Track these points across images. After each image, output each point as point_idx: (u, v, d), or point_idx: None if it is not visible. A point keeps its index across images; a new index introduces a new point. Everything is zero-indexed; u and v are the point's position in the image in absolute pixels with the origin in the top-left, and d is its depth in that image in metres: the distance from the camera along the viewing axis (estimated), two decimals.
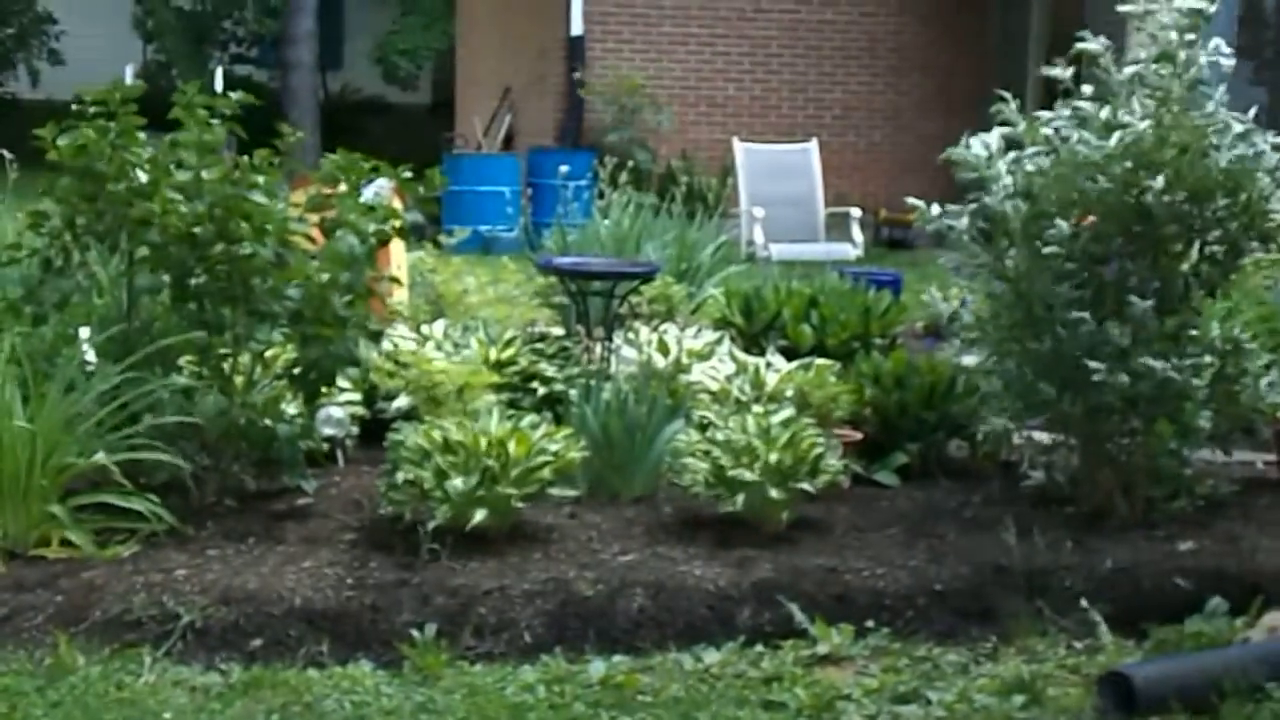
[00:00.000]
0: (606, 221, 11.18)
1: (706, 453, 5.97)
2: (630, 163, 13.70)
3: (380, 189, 6.49)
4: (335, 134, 19.35)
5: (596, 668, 5.04)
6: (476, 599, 5.32)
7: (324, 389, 6.16)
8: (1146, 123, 6.09)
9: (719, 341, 7.66)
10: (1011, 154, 6.32)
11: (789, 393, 6.81)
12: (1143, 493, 6.24)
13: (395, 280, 7.31)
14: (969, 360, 6.92)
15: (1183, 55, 6.19)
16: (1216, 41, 6.32)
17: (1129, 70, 6.22)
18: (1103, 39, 6.30)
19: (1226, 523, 6.16)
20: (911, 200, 6.62)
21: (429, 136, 20.30)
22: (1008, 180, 6.27)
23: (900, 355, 7.20)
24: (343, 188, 6.16)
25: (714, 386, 6.97)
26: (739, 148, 13.54)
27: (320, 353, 5.92)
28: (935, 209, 6.46)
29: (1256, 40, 13.89)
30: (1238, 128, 6.21)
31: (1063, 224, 6.10)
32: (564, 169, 13.33)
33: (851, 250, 12.39)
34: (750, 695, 4.88)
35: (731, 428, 6.07)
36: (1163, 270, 6.30)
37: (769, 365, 7.11)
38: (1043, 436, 6.61)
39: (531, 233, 13.57)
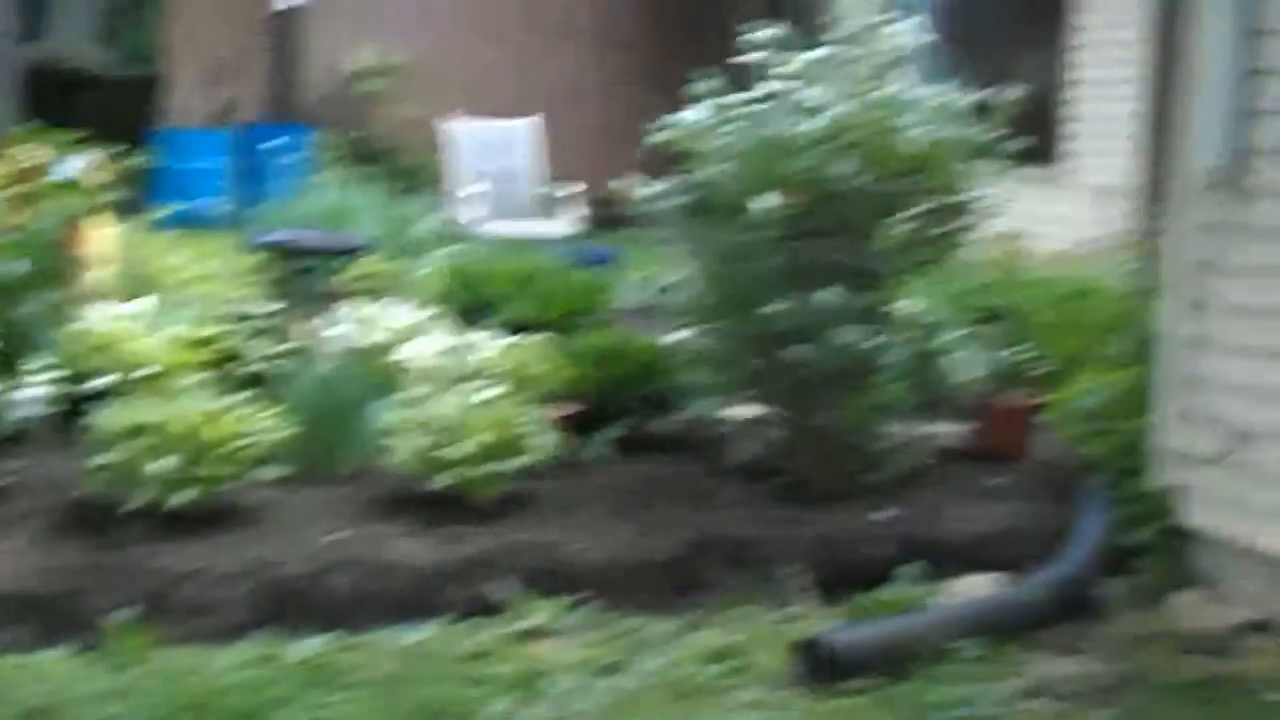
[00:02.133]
0: (320, 197, 11.03)
1: (415, 431, 5.94)
2: (348, 137, 13.52)
3: (79, 164, 6.29)
4: (40, 107, 18.66)
5: (302, 647, 4.98)
6: (180, 580, 5.21)
7: (19, 368, 5.94)
8: (848, 104, 6.25)
9: (431, 318, 7.62)
10: (718, 126, 6.42)
11: (502, 369, 6.81)
12: (844, 464, 6.41)
13: (97, 258, 7.11)
14: (677, 336, 7.05)
15: (876, 35, 6.36)
16: (912, 21, 6.54)
17: (818, 52, 6.38)
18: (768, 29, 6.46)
19: (924, 492, 6.37)
20: (620, 184, 6.68)
21: (139, 109, 19.71)
22: (718, 147, 6.36)
23: (614, 331, 7.26)
24: (40, 162, 5.96)
25: (425, 364, 6.93)
26: (456, 124, 13.48)
27: (9, 331, 5.72)
28: (649, 189, 6.54)
29: (947, 23, 14.36)
30: (934, 102, 6.40)
31: (762, 202, 6.21)
32: (275, 144, 13.08)
33: (570, 227, 12.45)
34: (457, 671, 4.88)
35: (440, 405, 6.05)
36: (861, 248, 6.47)
37: (482, 342, 7.10)
38: (750, 411, 6.75)
39: (243, 208, 13.30)
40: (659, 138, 6.47)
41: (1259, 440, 5.56)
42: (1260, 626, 5.33)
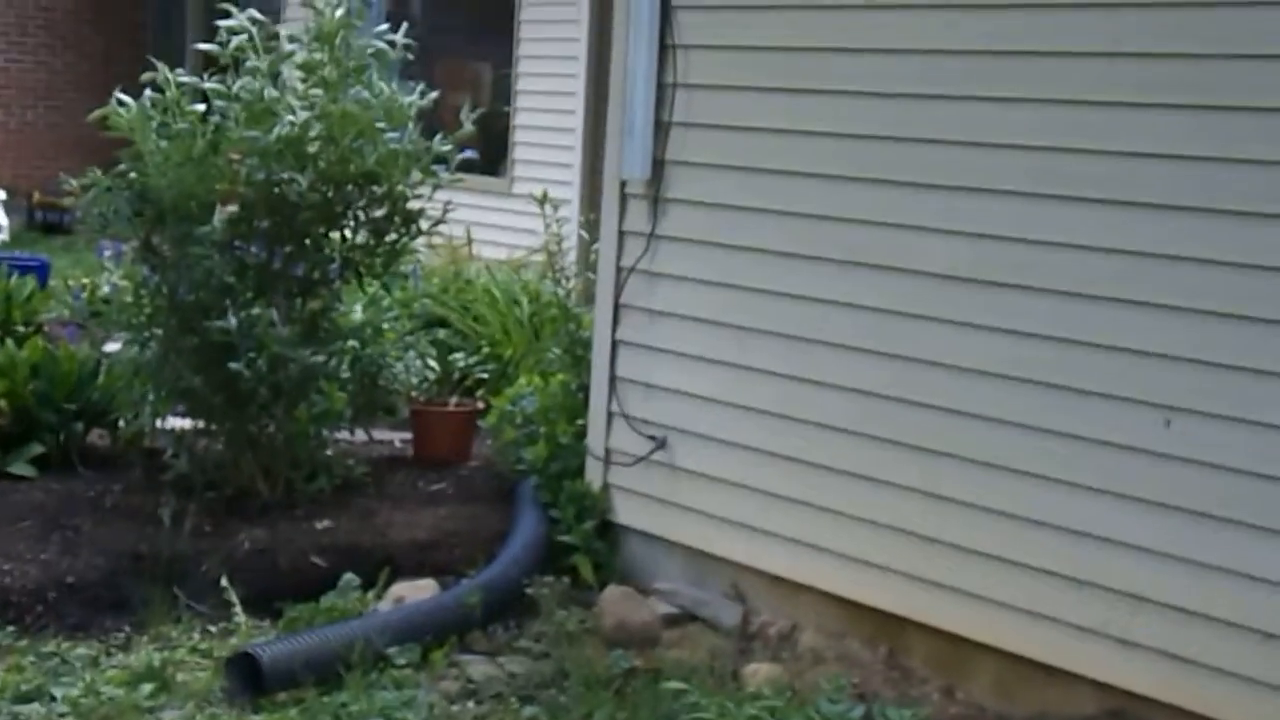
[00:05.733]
0: None
1: None
2: None
3: None
4: None
5: None
6: None
7: None
8: (307, 114, 6.10)
9: None
10: (163, 122, 6.19)
11: None
12: (283, 475, 6.31)
13: None
14: (112, 348, 6.78)
15: (340, 38, 6.23)
16: (380, 27, 6.50)
17: (287, 48, 6.25)
18: (254, 12, 6.31)
19: (363, 500, 6.34)
20: (68, 179, 6.36)
21: None
22: (163, 145, 6.11)
23: (36, 343, 6.91)
24: None
25: None
26: None
27: None
28: (87, 187, 6.24)
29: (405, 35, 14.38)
30: (392, 111, 6.32)
31: (209, 210, 6.02)
32: None
33: None
34: None
35: None
36: (308, 255, 6.39)
37: None
38: (189, 423, 6.56)
39: None
40: (95, 117, 6.19)
41: (678, 439, 5.81)
42: (680, 618, 5.57)
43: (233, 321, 5.98)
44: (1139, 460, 4.50)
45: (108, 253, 7.53)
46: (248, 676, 4.78)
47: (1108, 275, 4.56)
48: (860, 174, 5.20)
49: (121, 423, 6.67)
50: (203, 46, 6.35)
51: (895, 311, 5.10)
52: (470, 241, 10.29)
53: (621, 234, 6.01)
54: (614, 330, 6.06)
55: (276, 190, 6.12)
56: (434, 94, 6.45)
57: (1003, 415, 4.81)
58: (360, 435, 6.85)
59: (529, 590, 5.43)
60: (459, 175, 6.59)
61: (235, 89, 6.17)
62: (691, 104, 5.73)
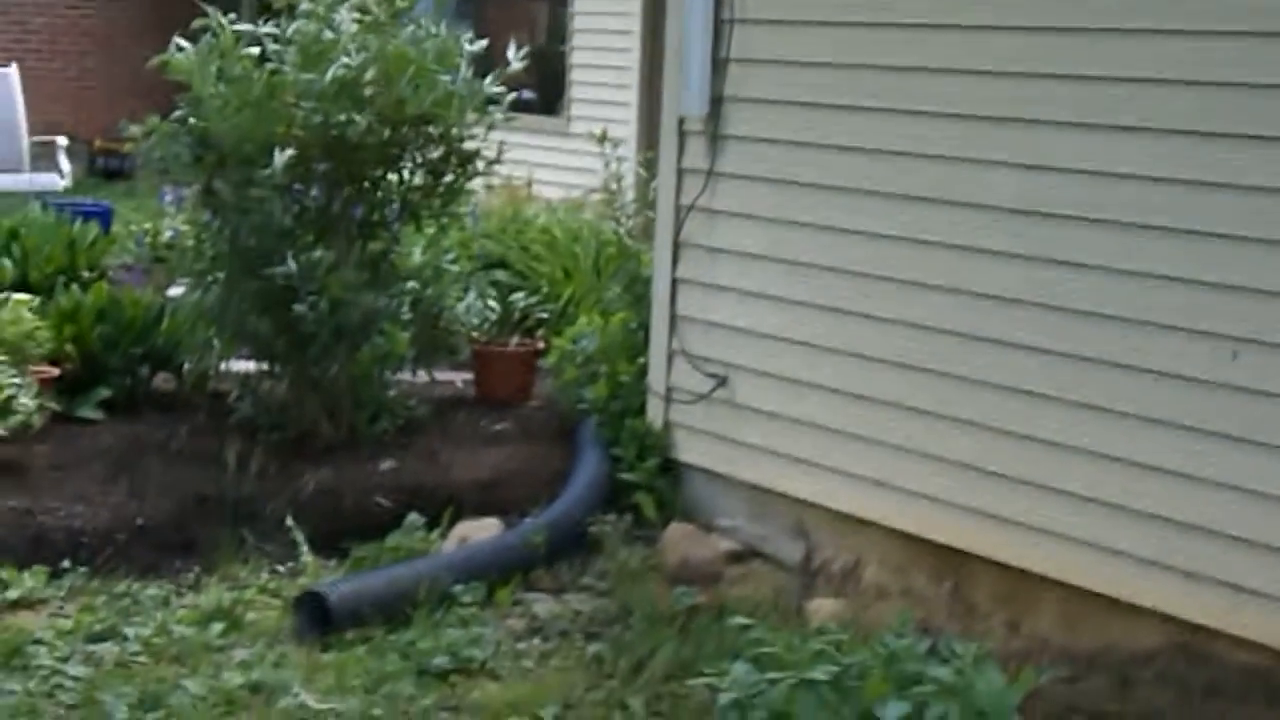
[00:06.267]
0: None
1: None
2: None
3: None
4: None
5: None
6: None
7: None
8: (363, 55, 6.08)
9: None
10: (221, 66, 6.18)
11: None
12: (347, 416, 6.35)
13: None
14: (175, 292, 6.83)
15: None
16: None
17: None
18: None
19: (425, 440, 6.37)
20: (130, 125, 6.37)
21: None
22: (221, 90, 6.11)
23: (101, 289, 6.97)
24: None
25: None
26: None
27: None
28: (146, 131, 6.24)
29: None
30: (446, 50, 6.30)
31: (268, 154, 6.03)
32: None
33: (59, 180, 11.86)
34: None
35: None
36: (366, 197, 6.41)
37: None
38: (250, 366, 6.61)
39: None
40: (155, 62, 6.19)
41: (739, 377, 5.81)
42: (742, 555, 5.58)
43: (292, 266, 6.00)
44: (1206, 392, 4.46)
45: (169, 198, 7.57)
46: (316, 615, 4.84)
47: (1171, 206, 4.52)
48: (923, 108, 5.16)
49: (186, 366, 6.72)
50: None
51: (961, 246, 5.06)
52: (530, 182, 10.27)
53: (680, 171, 6.00)
54: (674, 268, 6.05)
55: (335, 133, 6.11)
56: (483, 42, 6.43)
57: (1068, 349, 4.78)
58: (422, 376, 6.88)
59: (592, 529, 5.45)
60: (515, 115, 6.56)
61: (289, 32, 6.19)
62: (750, 39, 5.69)
